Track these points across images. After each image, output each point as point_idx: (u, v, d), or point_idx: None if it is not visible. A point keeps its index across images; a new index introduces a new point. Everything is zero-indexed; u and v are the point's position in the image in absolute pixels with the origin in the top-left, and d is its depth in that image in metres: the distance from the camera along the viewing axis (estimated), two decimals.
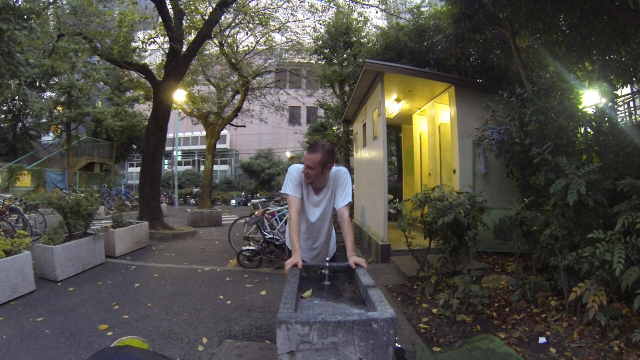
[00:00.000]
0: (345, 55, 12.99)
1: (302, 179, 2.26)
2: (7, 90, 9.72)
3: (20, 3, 5.98)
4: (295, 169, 2.30)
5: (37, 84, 17.25)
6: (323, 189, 2.34)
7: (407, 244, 4.05)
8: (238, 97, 13.12)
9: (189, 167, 26.87)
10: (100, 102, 18.71)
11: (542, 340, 2.76)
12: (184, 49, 8.47)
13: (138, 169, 14.17)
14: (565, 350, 2.60)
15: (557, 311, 3.14)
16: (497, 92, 4.50)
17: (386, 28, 9.97)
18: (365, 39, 12.94)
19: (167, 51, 8.99)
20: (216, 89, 13.52)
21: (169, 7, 8.07)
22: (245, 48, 12.43)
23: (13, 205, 6.99)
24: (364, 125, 7.39)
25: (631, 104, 6.48)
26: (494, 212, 3.94)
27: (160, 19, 8.74)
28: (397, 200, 9.07)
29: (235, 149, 27.53)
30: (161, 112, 8.43)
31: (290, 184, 2.26)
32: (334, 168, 2.33)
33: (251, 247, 5.64)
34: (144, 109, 17.31)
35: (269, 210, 6.46)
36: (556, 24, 4.70)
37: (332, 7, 11.68)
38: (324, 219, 2.41)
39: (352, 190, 11.64)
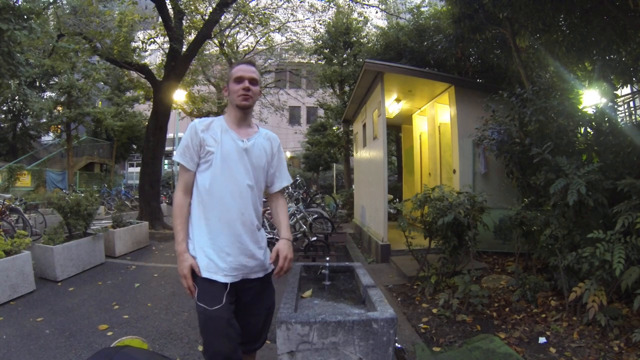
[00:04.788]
0: (345, 55, 13.00)
1: (205, 140, 1.57)
2: (7, 90, 9.74)
3: (20, 3, 5.98)
4: (197, 126, 1.59)
5: (37, 84, 17.26)
6: (252, 134, 1.67)
7: (407, 244, 4.05)
8: None
9: None
10: (100, 102, 18.71)
11: (542, 340, 2.76)
12: (184, 49, 8.48)
13: (138, 169, 14.21)
14: (565, 350, 2.60)
15: (557, 311, 3.14)
16: (497, 92, 4.50)
17: (386, 28, 9.98)
18: (365, 39, 12.96)
19: (167, 51, 9.00)
20: (216, 89, 13.54)
21: (169, 7, 8.07)
22: (245, 48, 12.45)
23: (13, 205, 6.99)
24: (364, 125, 7.39)
25: (631, 104, 6.47)
26: (494, 212, 3.94)
27: (160, 19, 8.74)
28: (397, 200, 9.07)
29: None
30: (161, 112, 8.43)
31: (186, 149, 1.57)
32: (266, 130, 1.77)
33: None
34: (144, 109, 17.32)
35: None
36: (556, 24, 4.70)
37: (332, 7, 11.70)
38: (252, 191, 1.61)
39: (352, 190, 11.43)
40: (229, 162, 1.56)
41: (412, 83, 6.16)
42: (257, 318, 1.63)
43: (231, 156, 1.57)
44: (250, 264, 1.57)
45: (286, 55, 14.67)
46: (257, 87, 1.63)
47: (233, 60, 11.66)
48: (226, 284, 1.49)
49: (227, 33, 10.83)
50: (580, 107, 4.06)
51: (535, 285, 3.49)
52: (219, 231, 1.53)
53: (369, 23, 13.18)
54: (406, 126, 9.44)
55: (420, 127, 8.14)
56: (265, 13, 10.23)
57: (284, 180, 1.78)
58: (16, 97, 15.87)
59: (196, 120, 1.62)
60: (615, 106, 4.73)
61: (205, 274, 1.50)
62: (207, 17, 8.70)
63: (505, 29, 5.04)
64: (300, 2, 10.84)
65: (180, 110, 12.82)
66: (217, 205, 1.54)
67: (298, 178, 11.53)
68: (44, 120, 17.57)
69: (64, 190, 13.55)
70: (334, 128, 14.88)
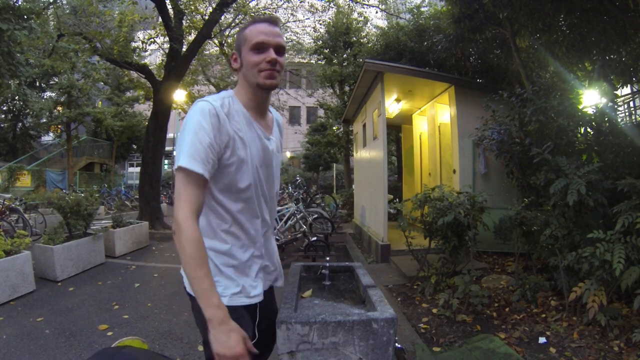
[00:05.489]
0: (345, 55, 13.01)
1: (234, 140, 1.10)
2: (7, 90, 9.74)
3: (20, 3, 5.99)
4: (218, 112, 1.06)
5: (37, 84, 17.26)
6: (271, 124, 1.30)
7: (407, 244, 4.05)
8: None
9: None
10: (100, 102, 18.72)
11: (542, 340, 2.76)
12: (184, 49, 8.48)
13: (138, 169, 14.23)
14: (565, 350, 2.60)
15: (557, 311, 3.14)
16: (497, 92, 4.51)
17: (386, 28, 9.99)
18: (365, 39, 12.97)
19: (167, 51, 9.00)
20: (216, 89, 13.53)
21: (169, 7, 8.08)
22: None
23: (13, 205, 6.99)
24: (364, 125, 7.39)
25: (631, 104, 6.48)
26: (494, 212, 3.94)
27: (160, 19, 8.75)
28: (397, 200, 9.07)
29: None
30: (161, 112, 8.43)
31: (210, 150, 1.02)
32: (272, 109, 1.35)
33: None
34: (144, 109, 17.33)
35: None
36: (556, 24, 4.71)
37: (332, 7, 11.70)
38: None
39: (352, 190, 11.26)
40: (260, 171, 1.19)
41: (412, 83, 6.16)
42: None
43: (263, 164, 1.20)
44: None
45: (286, 55, 14.65)
46: (284, 57, 1.18)
47: None
48: (255, 306, 1.22)
49: (227, 33, 10.83)
50: (580, 107, 4.06)
51: (535, 285, 3.49)
52: (255, 252, 1.22)
53: (369, 23, 13.19)
54: (406, 126, 9.44)
55: (420, 127, 8.14)
56: (265, 13, 10.23)
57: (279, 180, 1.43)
58: (16, 97, 15.88)
59: (214, 103, 1.07)
60: (615, 106, 4.73)
61: (244, 300, 1.17)
62: (207, 17, 8.71)
63: (505, 29, 5.04)
64: (300, 2, 10.85)
65: (180, 110, 12.83)
66: (250, 225, 1.20)
67: (298, 178, 11.54)
68: (44, 120, 17.57)
69: (64, 190, 13.55)
70: (334, 128, 14.88)
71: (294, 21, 12.09)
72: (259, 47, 1.12)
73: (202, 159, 1.01)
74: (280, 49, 1.15)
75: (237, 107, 1.15)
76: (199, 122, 1.04)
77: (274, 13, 10.87)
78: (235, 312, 1.09)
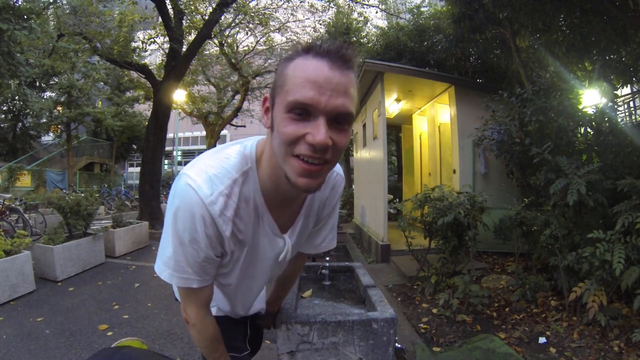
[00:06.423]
0: None
1: (232, 251, 0.85)
2: (7, 90, 9.75)
3: (20, 3, 5.99)
4: (221, 224, 0.78)
5: (37, 84, 17.25)
6: (298, 215, 0.94)
7: (407, 244, 4.05)
8: (238, 97, 13.15)
9: None
10: (100, 102, 18.71)
11: (542, 340, 2.76)
12: (184, 49, 8.48)
13: (138, 169, 14.22)
14: (565, 350, 2.60)
15: (557, 311, 3.14)
16: (497, 92, 4.51)
17: (386, 28, 9.99)
18: (365, 39, 12.94)
19: (167, 51, 9.00)
20: (216, 89, 13.54)
21: (169, 7, 8.07)
22: (245, 48, 12.44)
23: (13, 205, 6.98)
24: (364, 125, 7.39)
25: (631, 104, 6.48)
26: (494, 212, 3.94)
27: (160, 19, 8.75)
28: (397, 200, 9.07)
29: None
30: (161, 112, 8.43)
31: (205, 266, 0.82)
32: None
33: None
34: (144, 109, 17.32)
35: None
36: (556, 24, 4.71)
37: (332, 7, 11.69)
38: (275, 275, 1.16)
39: (352, 190, 11.23)
40: (249, 271, 0.95)
41: (412, 83, 6.16)
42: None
43: (263, 261, 0.95)
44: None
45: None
46: (348, 133, 0.71)
47: (233, 60, 11.61)
48: (246, 321, 1.22)
49: (227, 33, 10.82)
50: (580, 107, 4.06)
51: (535, 285, 3.49)
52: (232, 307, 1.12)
53: (369, 23, 13.17)
54: (406, 126, 9.44)
55: (420, 127, 8.14)
56: (265, 13, 10.22)
57: (322, 239, 1.11)
58: (16, 97, 15.87)
59: (211, 208, 0.75)
60: (615, 106, 4.74)
61: (220, 312, 1.10)
62: (207, 17, 8.71)
63: (505, 29, 5.04)
64: (301, 2, 10.84)
65: (180, 110, 12.83)
66: (224, 300, 1.08)
67: None
68: (44, 120, 17.55)
69: (64, 190, 13.54)
70: None
71: (294, 21, 12.09)
72: (300, 110, 0.65)
73: (197, 272, 0.82)
74: (341, 119, 0.67)
75: (249, 191, 0.80)
76: (190, 234, 0.76)
77: (274, 13, 10.87)
78: (222, 323, 1.03)
